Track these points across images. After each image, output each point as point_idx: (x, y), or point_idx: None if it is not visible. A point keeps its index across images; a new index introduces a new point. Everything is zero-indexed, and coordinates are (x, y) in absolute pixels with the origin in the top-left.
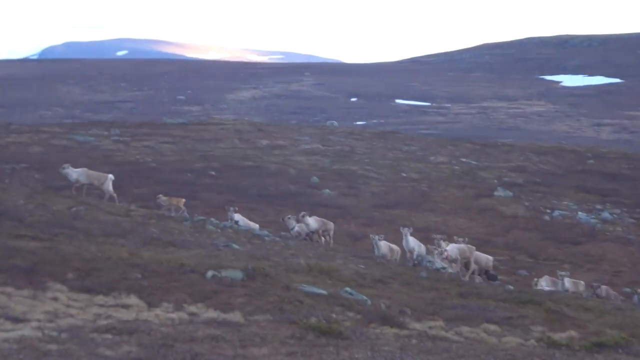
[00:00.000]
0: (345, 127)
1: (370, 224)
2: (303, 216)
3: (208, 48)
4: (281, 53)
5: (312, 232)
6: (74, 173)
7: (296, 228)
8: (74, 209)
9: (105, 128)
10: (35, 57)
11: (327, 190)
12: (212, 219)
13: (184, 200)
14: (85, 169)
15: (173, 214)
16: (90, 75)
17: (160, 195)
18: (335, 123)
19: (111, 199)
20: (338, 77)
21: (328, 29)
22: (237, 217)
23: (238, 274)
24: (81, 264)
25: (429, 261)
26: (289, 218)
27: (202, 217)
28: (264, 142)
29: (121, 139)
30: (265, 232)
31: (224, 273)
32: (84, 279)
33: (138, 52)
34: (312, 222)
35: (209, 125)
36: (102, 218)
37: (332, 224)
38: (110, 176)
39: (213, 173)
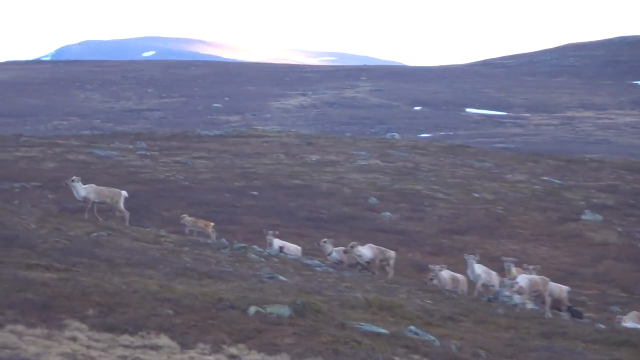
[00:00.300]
0: (408, 140)
1: (438, 252)
2: (352, 246)
3: (249, 48)
4: (333, 54)
5: (367, 263)
6: (82, 190)
7: (334, 254)
8: (95, 234)
9: (130, 141)
10: (48, 59)
11: (387, 214)
12: (255, 246)
13: (212, 224)
14: (93, 185)
15: (205, 240)
16: (112, 80)
17: (185, 215)
18: (396, 135)
19: (123, 219)
20: (399, 82)
21: (387, 26)
22: (278, 242)
23: (285, 310)
24: (103, 299)
25: (506, 295)
26: (325, 242)
27: (242, 244)
28: (314, 157)
29: (148, 153)
30: (317, 262)
31: (268, 309)
32: (107, 315)
33: (167, 52)
34: (366, 251)
35: (250, 137)
36: (127, 245)
37: (392, 252)
38: (124, 193)
39: (255, 193)
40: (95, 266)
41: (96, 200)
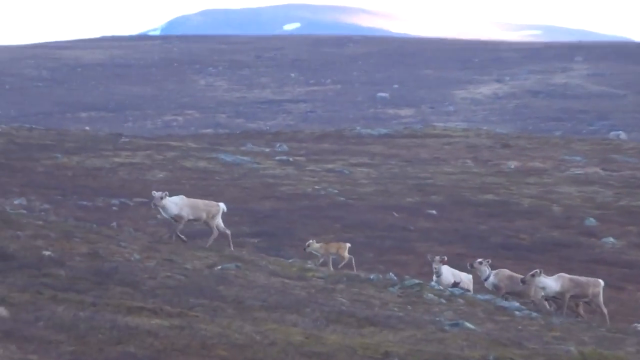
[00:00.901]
0: (638, 141)
1: None
2: (534, 275)
3: (424, 20)
4: (538, 27)
5: (555, 298)
6: (174, 205)
7: (491, 278)
8: (219, 267)
9: (267, 142)
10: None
11: (610, 239)
12: (433, 283)
13: (348, 245)
14: (183, 197)
15: (367, 276)
16: (243, 61)
17: (312, 241)
18: (623, 135)
19: (223, 236)
20: (626, 63)
21: None
22: (446, 270)
23: None
24: (230, 354)
25: None
26: (480, 263)
27: (416, 281)
28: (512, 164)
29: (291, 159)
30: (515, 304)
31: None
32: None
33: (316, 25)
34: (552, 283)
35: (427, 137)
36: (263, 282)
37: (599, 283)
38: (222, 206)
39: (433, 212)
40: (220, 310)
41: (190, 218)
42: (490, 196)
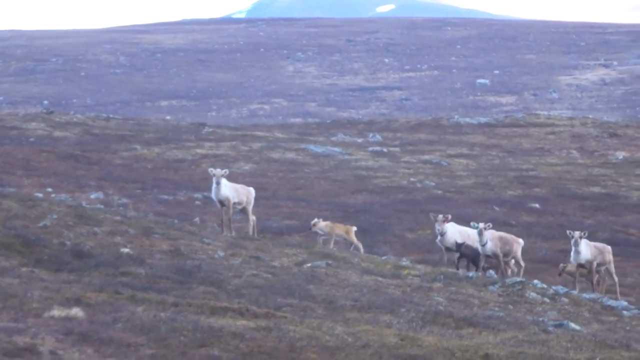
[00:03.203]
0: None
1: None
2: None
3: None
4: None
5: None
6: (226, 189)
7: (489, 245)
8: (308, 265)
9: (359, 132)
10: (242, 16)
11: None
12: (535, 282)
13: (354, 228)
14: (226, 180)
15: (466, 273)
16: (334, 46)
17: (319, 219)
18: None
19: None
20: None
21: None
22: (451, 228)
23: None
24: (320, 357)
25: None
26: (486, 227)
27: (518, 279)
28: (620, 154)
29: (385, 150)
30: (623, 303)
31: None
32: None
33: (412, 6)
34: (584, 249)
35: (530, 126)
36: (355, 280)
37: (608, 248)
38: (251, 190)
39: (536, 206)
40: (310, 310)
41: (235, 201)
42: (596, 189)
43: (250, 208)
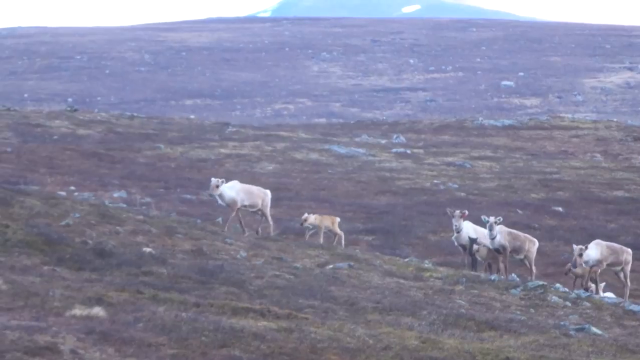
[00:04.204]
0: None
1: None
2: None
3: (552, 3)
4: None
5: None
6: (229, 190)
7: (499, 238)
8: (330, 266)
9: (383, 133)
10: (267, 15)
11: None
12: (558, 285)
13: (338, 219)
14: (237, 182)
15: (487, 276)
16: (359, 46)
17: (307, 214)
18: None
19: (266, 227)
20: None
21: None
22: (466, 226)
23: None
24: (341, 358)
25: None
26: (496, 222)
27: (540, 282)
28: None
29: (409, 151)
30: None
31: None
32: None
33: (437, 7)
34: (593, 252)
35: (554, 129)
36: (377, 282)
37: (627, 251)
38: (267, 192)
39: (559, 209)
40: (331, 312)
41: (246, 204)
42: (620, 193)
43: (267, 211)
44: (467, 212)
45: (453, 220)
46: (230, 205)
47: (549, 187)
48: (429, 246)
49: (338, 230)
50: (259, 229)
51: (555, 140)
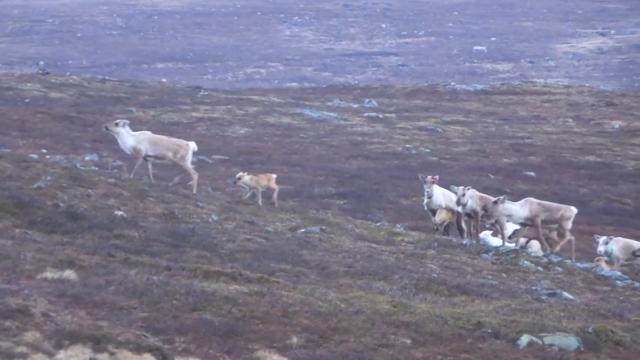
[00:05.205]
0: None
1: None
2: (496, 202)
3: None
4: None
5: (522, 225)
6: (130, 137)
7: (470, 203)
8: (302, 230)
9: (355, 98)
10: None
11: None
12: (530, 249)
13: (274, 176)
14: (147, 132)
15: (459, 240)
16: (331, 10)
17: (242, 173)
18: None
19: (187, 185)
20: None
21: None
22: (436, 191)
23: (571, 342)
24: (313, 322)
25: None
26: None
27: (511, 247)
28: (617, 123)
29: (381, 115)
30: (617, 273)
31: (547, 339)
32: (318, 346)
33: None
34: (519, 208)
35: (526, 94)
36: (349, 246)
37: (569, 209)
38: (192, 145)
39: (531, 174)
40: (303, 275)
41: (150, 154)
42: (592, 158)
43: (184, 163)
44: (438, 177)
45: (425, 186)
46: (134, 154)
47: (521, 152)
48: (400, 210)
49: (275, 186)
50: (176, 179)
51: (527, 105)
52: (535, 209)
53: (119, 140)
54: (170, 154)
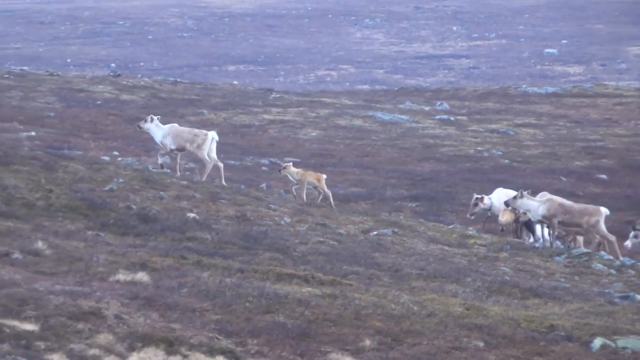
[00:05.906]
0: None
1: None
2: (515, 197)
3: None
4: None
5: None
6: (161, 130)
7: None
8: (375, 233)
9: (427, 100)
10: None
11: None
12: (602, 253)
13: (324, 176)
14: (175, 125)
15: (533, 243)
16: (402, 13)
17: (289, 164)
18: None
19: (202, 173)
20: None
21: None
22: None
23: None
24: (385, 325)
25: None
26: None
27: (584, 250)
28: None
29: (452, 118)
30: None
31: (620, 342)
32: (391, 348)
33: None
34: (537, 205)
35: (598, 97)
36: (421, 249)
37: (599, 211)
38: (213, 134)
39: (603, 177)
40: (376, 278)
41: (172, 147)
42: None
43: (201, 153)
44: (484, 197)
45: (475, 209)
46: (162, 148)
47: (592, 155)
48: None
49: (325, 188)
50: (186, 169)
51: (598, 108)
52: (554, 208)
53: (153, 137)
54: (187, 145)
